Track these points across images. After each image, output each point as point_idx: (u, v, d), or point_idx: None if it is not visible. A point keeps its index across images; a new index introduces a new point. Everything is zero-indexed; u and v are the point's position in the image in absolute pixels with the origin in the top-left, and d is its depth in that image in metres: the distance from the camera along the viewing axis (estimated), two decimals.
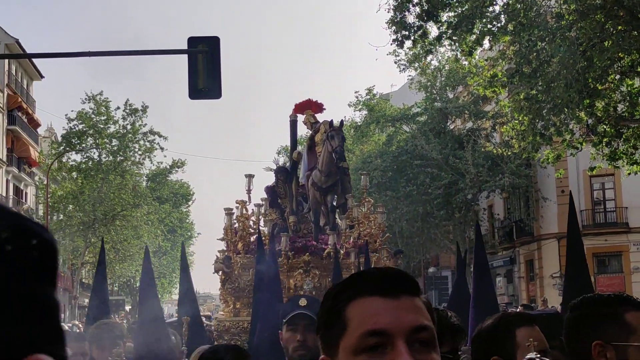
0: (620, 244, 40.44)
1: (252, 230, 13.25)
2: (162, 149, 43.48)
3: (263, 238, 12.85)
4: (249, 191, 13.63)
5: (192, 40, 12.24)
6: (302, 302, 4.74)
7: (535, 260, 42.61)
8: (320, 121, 14.56)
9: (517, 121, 17.96)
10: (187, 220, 63.00)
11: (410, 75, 41.54)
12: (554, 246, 40.71)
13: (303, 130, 18.57)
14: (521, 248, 43.97)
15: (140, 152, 43.51)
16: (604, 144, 17.95)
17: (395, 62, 19.06)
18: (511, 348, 3.13)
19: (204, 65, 12.03)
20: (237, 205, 13.57)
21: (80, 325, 16.89)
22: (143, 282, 7.24)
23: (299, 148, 15.60)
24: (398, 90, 54.77)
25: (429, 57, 22.67)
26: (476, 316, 6.31)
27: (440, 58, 37.13)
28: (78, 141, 42.27)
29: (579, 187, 40.44)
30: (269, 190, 15.11)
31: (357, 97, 46.97)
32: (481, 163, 37.53)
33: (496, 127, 37.09)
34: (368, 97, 46.33)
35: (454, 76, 39.00)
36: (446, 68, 38.36)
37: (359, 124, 47.52)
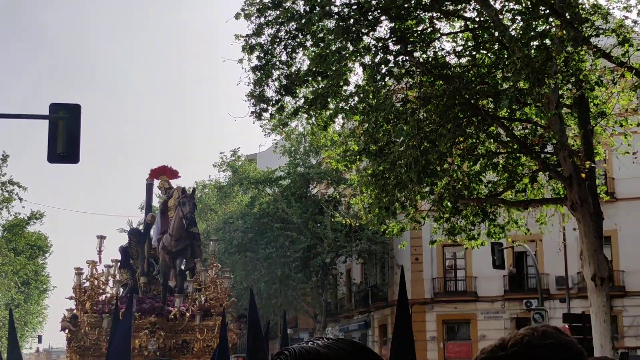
0: (469, 312, 42.12)
1: (101, 291, 13.64)
2: (20, 199, 42.81)
3: (111, 299, 13.27)
4: (99, 252, 14.04)
5: (53, 107, 12.69)
6: None
7: (389, 325, 43.76)
8: (175, 187, 15.15)
9: (365, 194, 18.99)
10: (43, 273, 61.63)
11: (275, 140, 42.61)
12: None
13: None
14: (376, 312, 45.14)
15: None
16: (443, 220, 19.19)
17: (261, 127, 19.88)
18: None
19: (64, 131, 12.48)
20: (88, 264, 13.95)
21: None
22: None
23: (153, 211, 16.13)
24: (265, 151, 55.80)
25: (294, 124, 23.66)
26: None
27: (304, 124, 38.28)
28: None
29: (432, 255, 42.07)
30: (122, 250, 15.53)
31: (221, 158, 47.67)
32: (339, 228, 38.69)
33: (350, 198, 38.48)
34: (233, 158, 47.08)
35: (316, 143, 40.28)
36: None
37: (223, 184, 48.15)
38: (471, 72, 17.68)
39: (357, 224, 26.83)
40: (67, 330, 13.58)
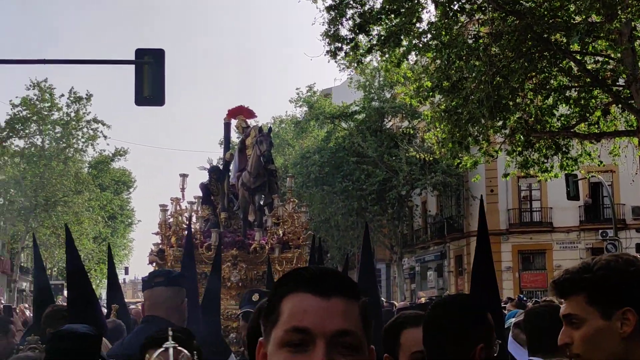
0: (545, 242, 42.24)
1: (185, 226, 14.30)
2: (105, 137, 44.01)
3: (195, 233, 13.91)
4: (182, 189, 14.68)
5: (139, 52, 13.29)
6: (255, 297, 5.76)
7: (464, 256, 44.12)
8: (251, 126, 15.67)
9: (438, 129, 19.33)
10: (128, 208, 63.55)
11: (349, 75, 43.01)
12: None
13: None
14: (451, 244, 45.53)
15: (83, 140, 44.01)
16: (516, 153, 19.44)
17: (336, 62, 20.12)
18: (396, 347, 3.40)
19: (149, 75, 13.08)
20: (172, 202, 14.61)
21: (28, 308, 17.82)
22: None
23: (232, 148, 16.68)
24: (340, 86, 56.07)
25: (368, 58, 23.93)
26: None
27: (379, 59, 38.28)
28: (22, 127, 42.46)
29: (507, 187, 42.05)
30: (203, 187, 16.13)
31: (297, 94, 48.13)
32: (414, 162, 38.88)
33: (424, 133, 38.55)
34: (309, 94, 47.50)
35: (390, 79, 40.38)
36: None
37: (300, 119, 48.70)
38: (543, 6, 17.70)
39: (431, 158, 27.16)
40: (154, 264, 14.34)
